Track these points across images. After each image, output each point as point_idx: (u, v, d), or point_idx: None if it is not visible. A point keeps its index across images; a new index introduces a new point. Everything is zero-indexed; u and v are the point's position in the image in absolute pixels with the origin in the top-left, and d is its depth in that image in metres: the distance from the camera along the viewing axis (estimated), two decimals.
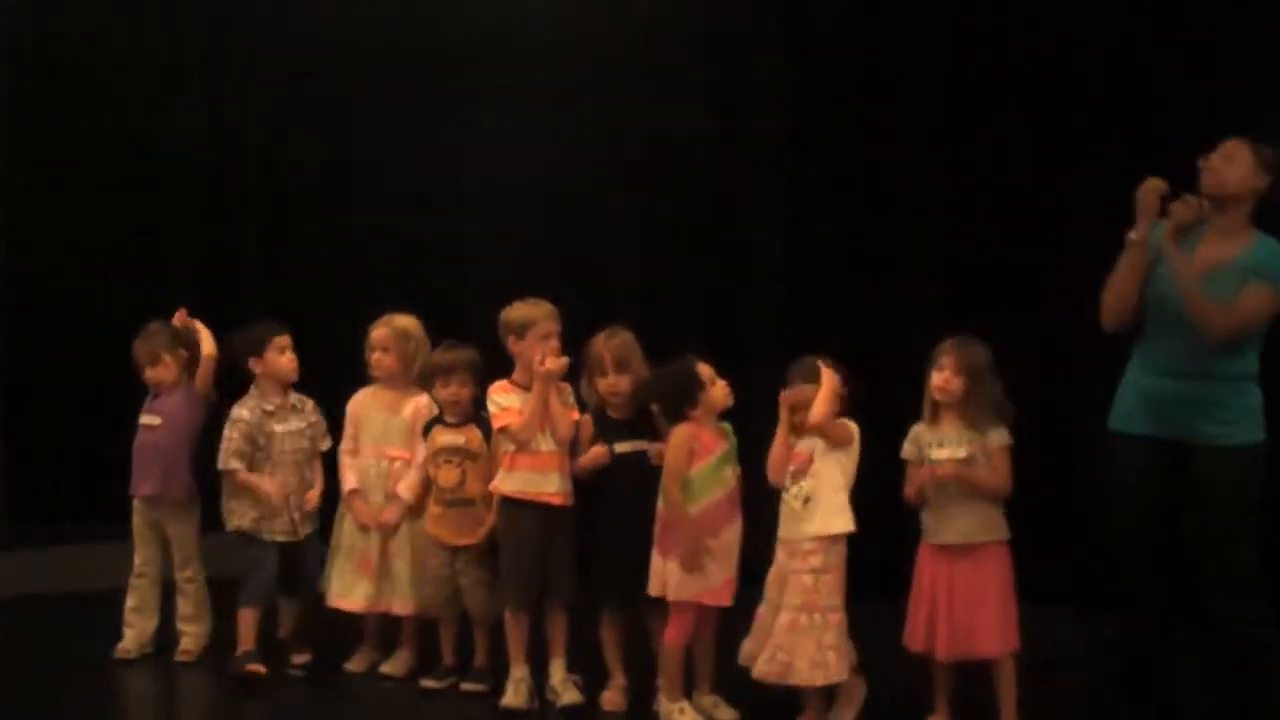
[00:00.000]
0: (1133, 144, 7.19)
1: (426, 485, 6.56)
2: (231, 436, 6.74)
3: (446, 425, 6.50)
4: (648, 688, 6.09)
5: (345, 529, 6.71)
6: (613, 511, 6.05)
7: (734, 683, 5.98)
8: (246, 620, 6.64)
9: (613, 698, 6.14)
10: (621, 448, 6.06)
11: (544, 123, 8.75)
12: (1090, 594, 6.45)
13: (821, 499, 5.62)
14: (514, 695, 6.15)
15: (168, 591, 6.98)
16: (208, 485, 6.91)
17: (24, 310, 9.71)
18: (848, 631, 5.65)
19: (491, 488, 6.26)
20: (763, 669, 5.63)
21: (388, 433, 6.68)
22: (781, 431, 5.75)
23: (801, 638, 5.57)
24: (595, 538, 6.14)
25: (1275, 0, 7.11)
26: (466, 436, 6.44)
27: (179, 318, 6.96)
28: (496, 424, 6.18)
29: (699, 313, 8.36)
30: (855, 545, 5.70)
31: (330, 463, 6.87)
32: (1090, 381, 7.11)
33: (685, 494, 5.80)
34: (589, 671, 6.25)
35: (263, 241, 9.64)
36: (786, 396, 5.70)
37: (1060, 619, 6.72)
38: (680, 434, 5.85)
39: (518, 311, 6.25)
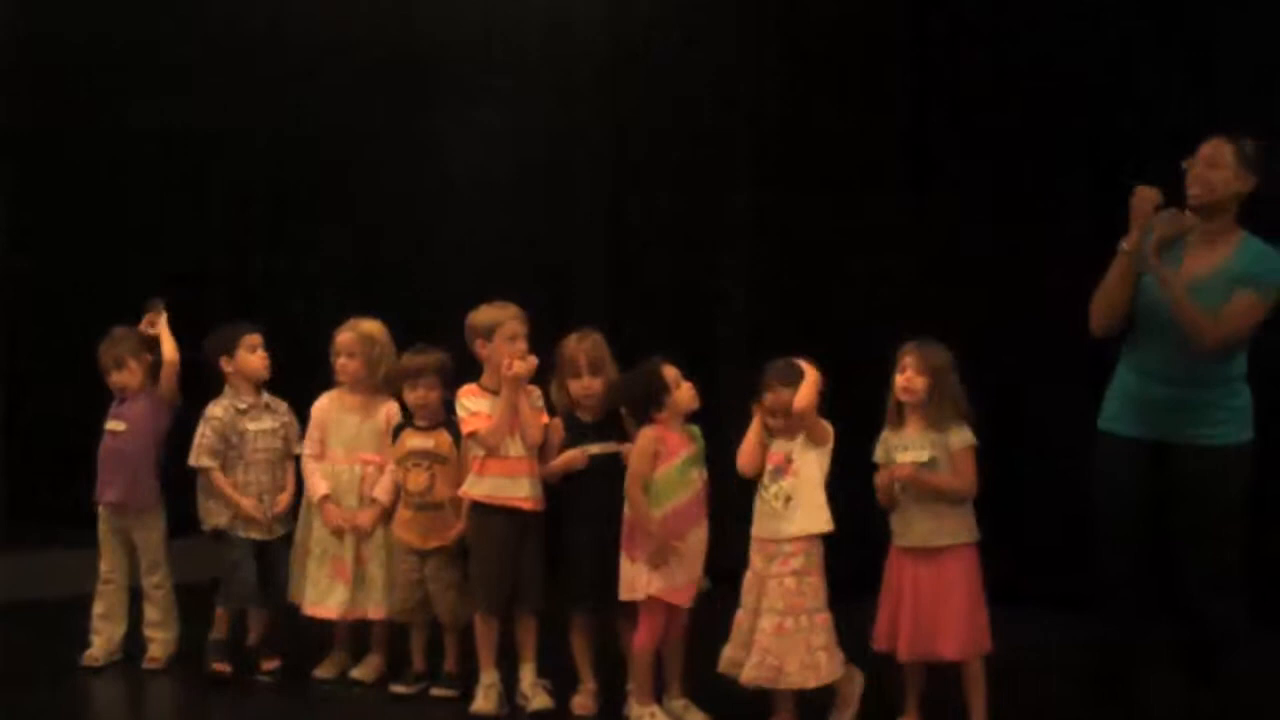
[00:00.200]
0: (1104, 143, 7.20)
1: (397, 489, 6.54)
2: (205, 434, 6.74)
3: (416, 429, 6.47)
4: (618, 692, 6.09)
5: (315, 535, 6.66)
6: (584, 515, 6.03)
7: (704, 686, 5.97)
8: (220, 616, 6.74)
9: (583, 702, 6.12)
10: (594, 450, 6.04)
11: (508, 126, 8.75)
12: (1061, 597, 6.49)
13: (802, 498, 5.61)
14: (484, 700, 6.13)
15: (135, 597, 6.94)
16: (174, 489, 6.89)
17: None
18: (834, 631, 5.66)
19: (461, 493, 6.24)
20: (752, 675, 5.60)
21: (360, 437, 6.65)
22: (756, 424, 5.72)
23: (788, 641, 5.56)
24: (566, 541, 6.12)
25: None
26: (436, 440, 6.42)
27: (147, 321, 6.91)
28: (465, 429, 6.16)
29: (665, 314, 8.37)
30: (827, 547, 5.70)
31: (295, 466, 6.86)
32: (1060, 382, 7.21)
33: (651, 496, 5.78)
34: (559, 676, 6.23)
35: (232, 245, 9.63)
36: (766, 401, 5.66)
37: (1035, 622, 6.72)
38: (645, 436, 5.84)
39: (484, 314, 6.23)
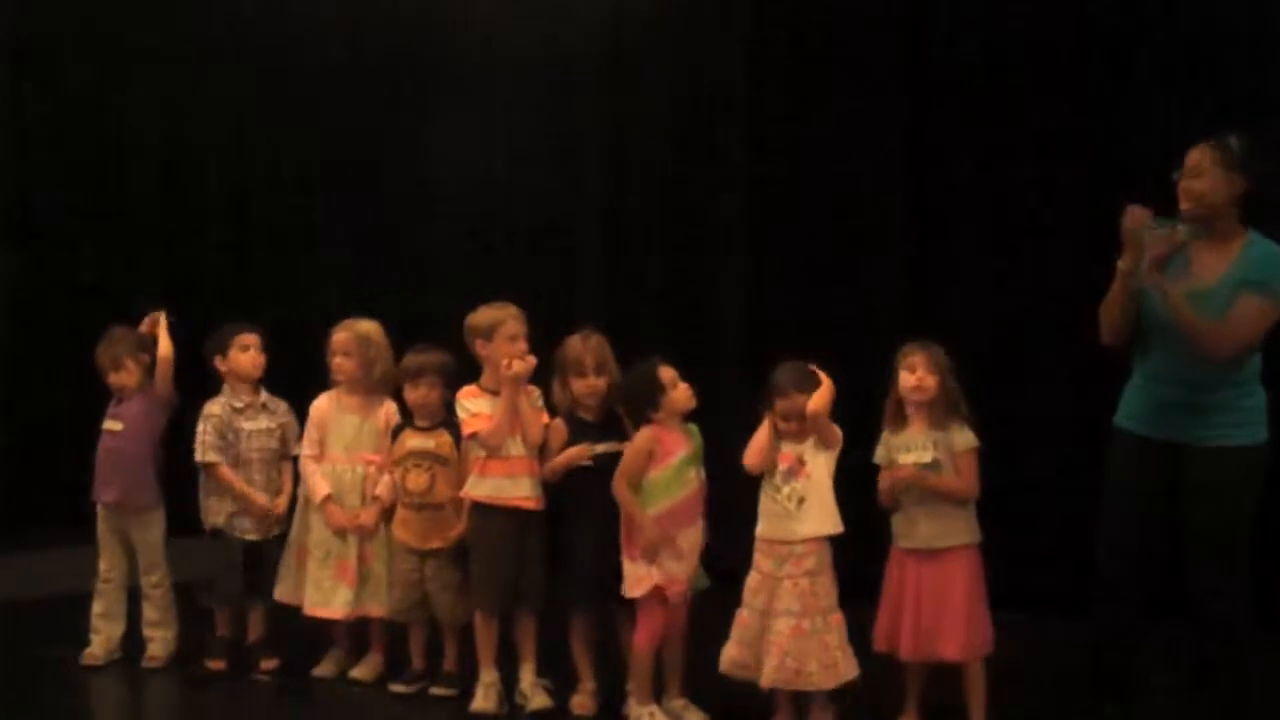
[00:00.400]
0: (1105, 142, 7.20)
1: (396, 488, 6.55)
2: (206, 431, 6.77)
3: (416, 429, 6.49)
4: (617, 692, 6.09)
5: (316, 536, 6.65)
6: (584, 514, 6.02)
7: (703, 685, 5.98)
8: (220, 615, 6.81)
9: (582, 702, 6.12)
10: (600, 449, 6.03)
11: (508, 125, 8.77)
12: (1060, 599, 6.50)
13: (815, 500, 5.61)
14: (483, 700, 6.14)
15: (134, 597, 6.94)
16: (173, 489, 6.90)
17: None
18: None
19: (463, 494, 6.24)
20: (772, 678, 5.58)
21: (360, 438, 6.66)
22: (767, 424, 5.71)
23: (807, 642, 5.56)
24: (565, 541, 6.13)
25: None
26: (436, 441, 6.43)
27: (148, 324, 6.92)
28: (466, 430, 6.16)
29: (665, 314, 8.38)
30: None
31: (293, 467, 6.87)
32: (1059, 383, 7.22)
33: (645, 495, 5.80)
34: (559, 676, 6.24)
35: (228, 244, 9.66)
36: (779, 406, 5.66)
37: (1034, 624, 6.73)
38: (640, 437, 5.86)
39: (483, 315, 6.23)
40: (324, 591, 6.61)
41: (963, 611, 5.60)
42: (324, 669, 6.71)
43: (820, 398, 5.57)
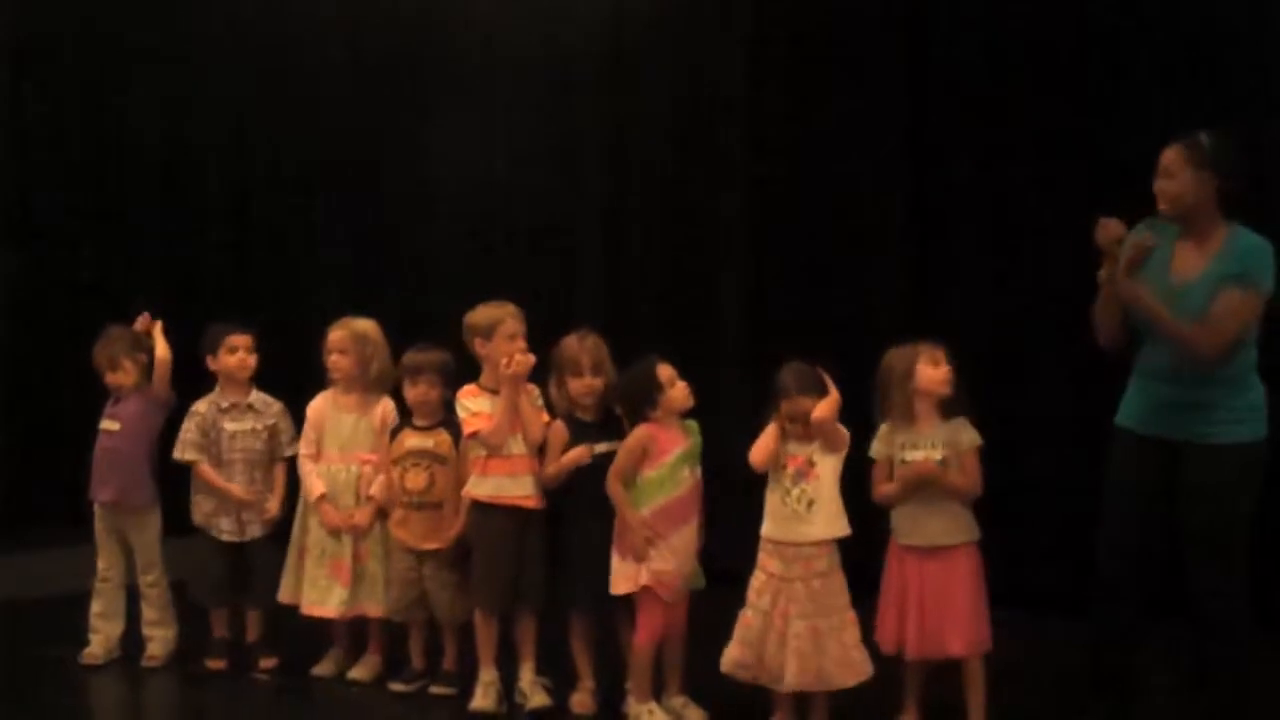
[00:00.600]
0: (1105, 142, 7.20)
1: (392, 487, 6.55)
2: (188, 428, 6.80)
3: (415, 429, 6.49)
4: (617, 690, 6.09)
5: (313, 535, 6.66)
6: (583, 513, 6.02)
7: (703, 684, 5.98)
8: (217, 615, 6.84)
9: (582, 700, 6.13)
10: (601, 448, 6.02)
11: (508, 125, 8.77)
12: (1059, 598, 6.50)
13: (824, 503, 5.61)
14: (483, 698, 6.14)
15: (133, 596, 6.95)
16: (170, 488, 6.90)
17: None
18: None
19: (464, 493, 6.24)
20: (795, 681, 5.56)
21: (356, 437, 6.66)
22: (774, 424, 5.69)
23: (825, 642, 5.56)
24: (565, 540, 6.12)
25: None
26: (435, 440, 6.43)
27: (141, 322, 6.92)
28: (467, 430, 6.16)
29: (665, 315, 8.38)
30: None
31: (290, 467, 6.87)
32: (1057, 383, 7.22)
33: (637, 493, 5.81)
34: (558, 674, 6.24)
35: (228, 244, 9.67)
36: (784, 409, 5.65)
37: (1033, 622, 6.73)
38: (635, 435, 5.86)
39: (482, 314, 6.24)
40: (320, 590, 6.62)
41: (968, 608, 5.61)
42: (323, 668, 6.71)
43: (826, 406, 5.55)
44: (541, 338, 6.21)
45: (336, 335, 6.69)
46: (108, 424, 6.95)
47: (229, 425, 6.80)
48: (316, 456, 6.68)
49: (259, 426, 6.83)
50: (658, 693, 5.95)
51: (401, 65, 9.14)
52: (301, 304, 8.90)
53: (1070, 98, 7.32)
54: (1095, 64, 7.31)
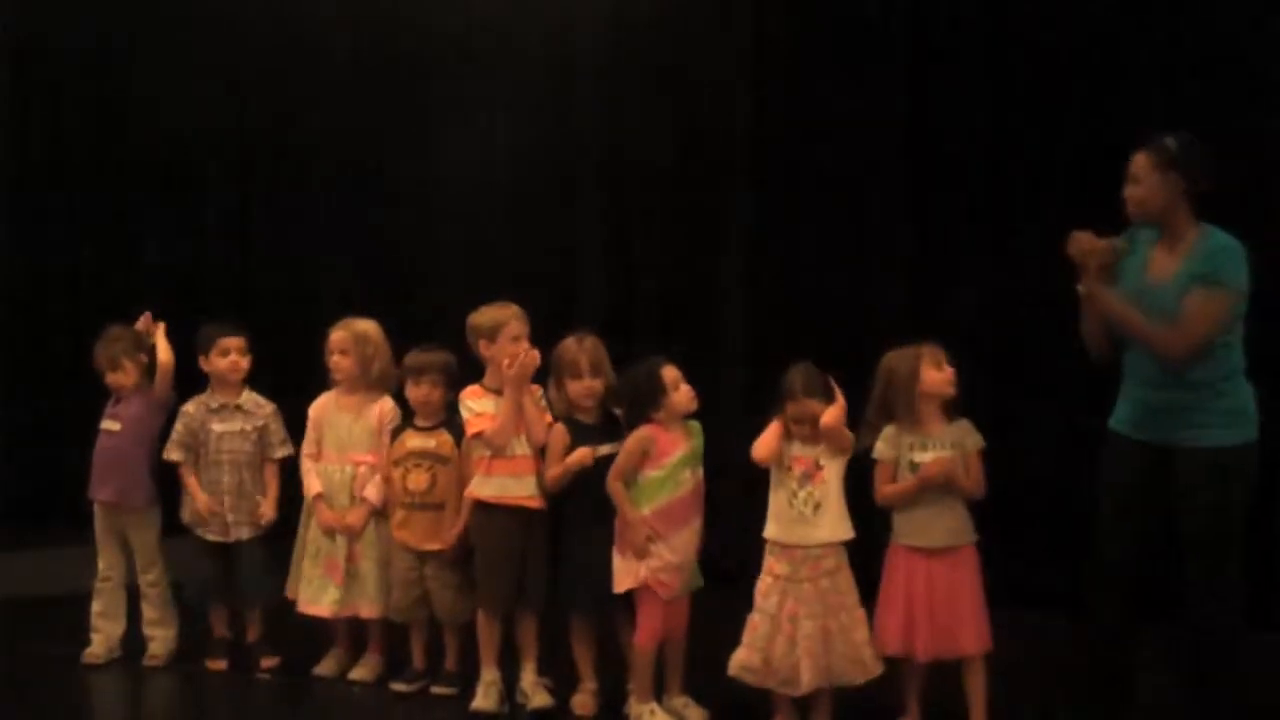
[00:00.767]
0: (1104, 141, 7.20)
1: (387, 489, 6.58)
2: (177, 429, 6.83)
3: (416, 429, 6.49)
4: (618, 691, 6.10)
5: (311, 534, 6.69)
6: (585, 515, 6.02)
7: (703, 684, 6.00)
8: (217, 614, 6.86)
9: (583, 701, 6.13)
10: (604, 450, 6.00)
11: (509, 126, 8.79)
12: (1059, 597, 6.50)
13: (830, 506, 5.64)
14: (484, 698, 6.15)
15: (134, 595, 6.96)
16: (170, 488, 6.91)
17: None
18: None
19: (467, 494, 6.24)
20: (811, 682, 5.58)
21: (352, 437, 6.66)
22: (778, 423, 5.71)
23: (836, 641, 5.59)
24: (566, 541, 6.12)
25: None
26: (437, 440, 6.45)
27: (142, 322, 6.94)
28: (470, 430, 6.16)
29: (665, 315, 8.40)
30: None
31: (293, 467, 6.86)
32: (1056, 383, 7.23)
33: (637, 494, 5.82)
34: (559, 675, 6.25)
35: (229, 244, 9.69)
36: (790, 411, 5.66)
37: (1031, 623, 6.74)
38: (637, 435, 5.87)
39: (486, 315, 6.24)
40: (315, 589, 6.65)
41: (974, 607, 5.64)
42: (324, 668, 6.72)
43: (835, 413, 5.57)
44: (542, 339, 6.21)
45: (337, 336, 6.70)
46: (108, 424, 6.96)
47: (217, 426, 6.81)
48: (317, 456, 6.70)
49: (248, 428, 6.84)
50: (659, 693, 5.96)
51: (402, 65, 9.16)
52: (302, 304, 8.92)
53: (1071, 98, 7.33)
54: (1096, 64, 7.32)
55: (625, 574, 5.86)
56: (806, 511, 5.63)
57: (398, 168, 9.20)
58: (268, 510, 6.83)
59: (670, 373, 5.89)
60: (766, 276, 8.23)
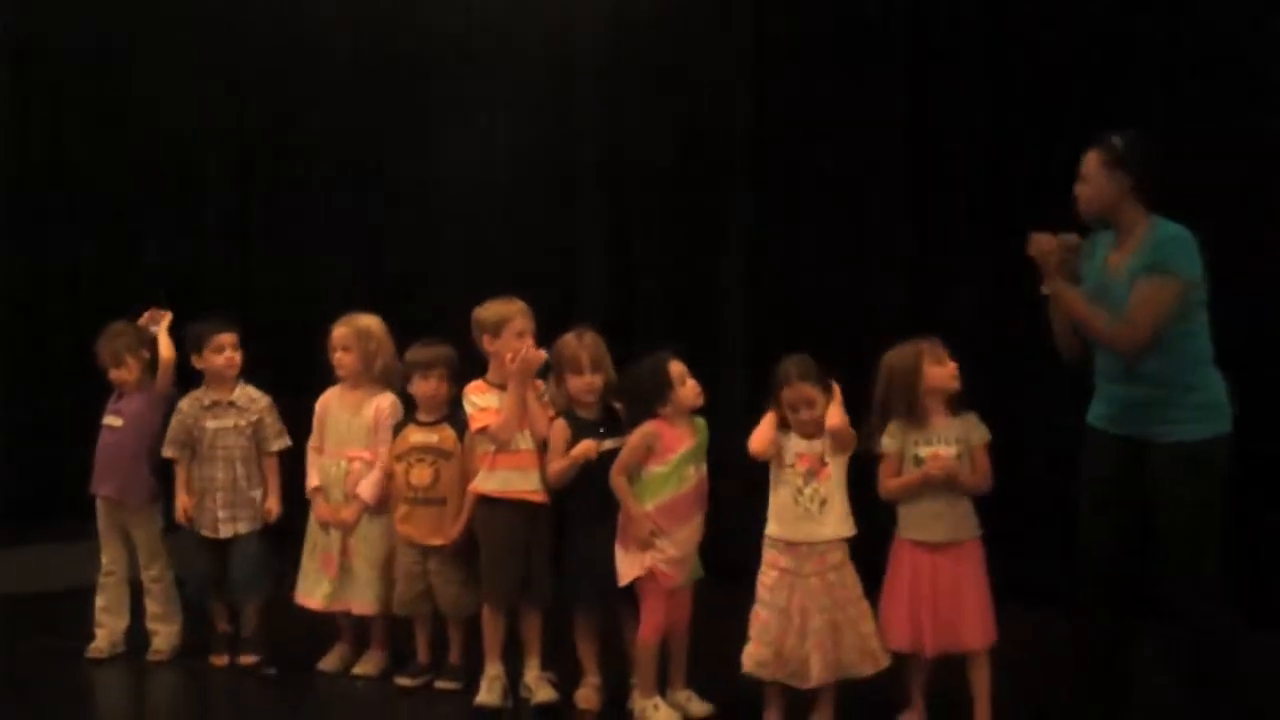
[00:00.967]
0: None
1: (383, 487, 6.60)
2: (172, 426, 6.86)
3: (419, 424, 6.51)
4: (622, 685, 6.11)
5: (310, 527, 6.75)
6: (588, 509, 6.03)
7: (706, 678, 6.02)
8: (217, 609, 6.89)
9: (587, 695, 6.14)
10: (607, 445, 6.01)
11: (510, 126, 8.82)
12: (1062, 593, 6.52)
13: (835, 502, 5.66)
14: (488, 693, 6.16)
15: (137, 590, 6.98)
16: (172, 484, 6.93)
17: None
18: None
19: (471, 488, 6.26)
20: (821, 676, 5.60)
21: (349, 433, 6.70)
22: (771, 415, 5.74)
23: (844, 634, 5.62)
24: (570, 536, 6.14)
25: None
26: (440, 435, 6.46)
27: (147, 316, 6.96)
28: (475, 425, 6.18)
29: (666, 315, 8.42)
30: None
31: (292, 459, 6.91)
32: (1055, 381, 7.23)
33: (646, 489, 5.84)
34: (563, 669, 6.27)
35: (229, 243, 9.70)
36: (786, 396, 5.68)
37: (1031, 617, 6.76)
38: (642, 430, 5.88)
39: (491, 310, 6.26)
40: (310, 581, 6.71)
41: (979, 601, 5.66)
42: (328, 663, 6.74)
43: (837, 412, 5.61)
44: (543, 339, 6.22)
45: (340, 332, 6.73)
46: (110, 420, 6.99)
47: (210, 423, 6.83)
48: (320, 449, 6.74)
49: (241, 423, 6.86)
50: (662, 687, 5.98)
51: (402, 65, 9.19)
52: (302, 303, 8.93)
53: (1071, 98, 7.34)
54: (1096, 64, 7.33)
55: (629, 567, 5.88)
56: (813, 508, 5.65)
57: (398, 168, 9.24)
58: (273, 505, 6.85)
59: (677, 367, 5.91)
60: (766, 276, 8.24)
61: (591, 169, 8.76)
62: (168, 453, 6.85)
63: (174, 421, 6.85)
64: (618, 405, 6.10)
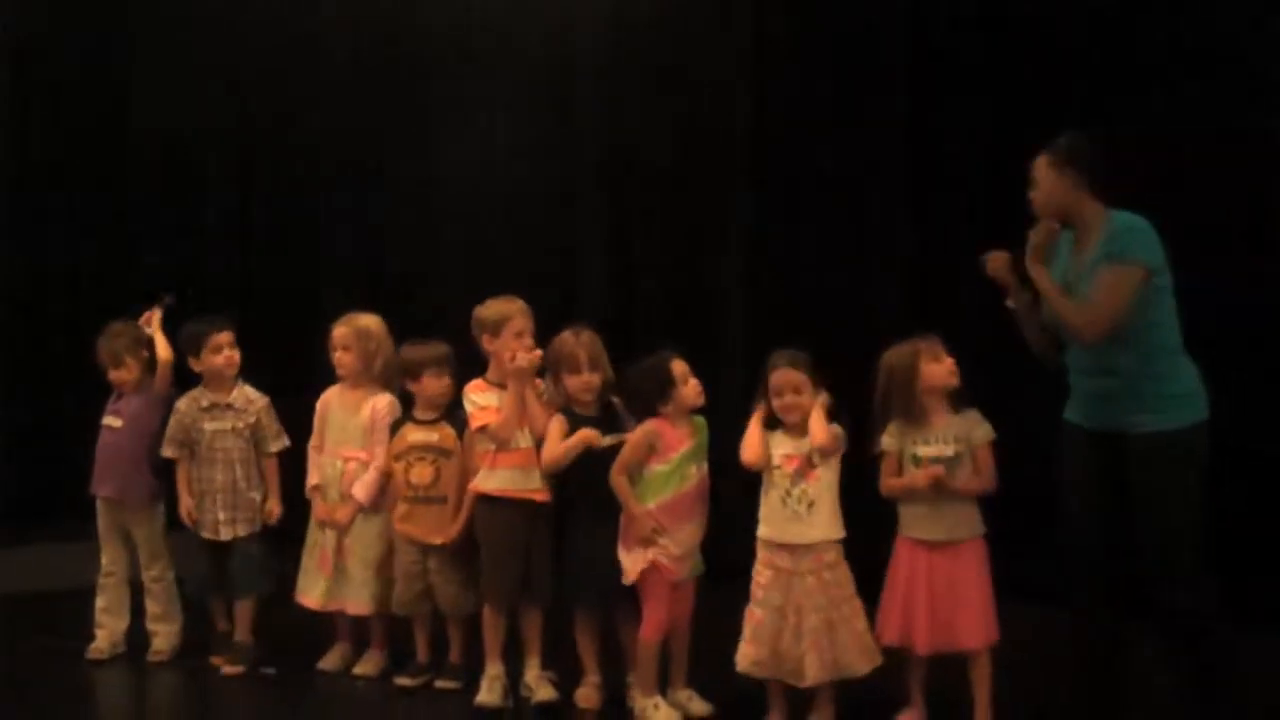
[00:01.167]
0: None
1: (378, 488, 6.61)
2: (171, 425, 6.86)
3: (418, 423, 6.51)
4: (622, 685, 6.12)
5: (310, 525, 6.77)
6: (588, 508, 6.03)
7: (706, 677, 6.02)
8: (217, 609, 6.92)
9: (587, 694, 6.14)
10: (606, 441, 6.00)
11: (510, 126, 8.81)
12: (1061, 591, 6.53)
13: (824, 504, 5.66)
14: (488, 692, 6.16)
15: (138, 590, 6.98)
16: (173, 484, 6.93)
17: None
18: None
19: (472, 487, 6.26)
20: (816, 674, 5.61)
21: (345, 433, 6.70)
22: (757, 418, 5.76)
23: (840, 633, 5.62)
24: (570, 534, 6.13)
25: None
26: (440, 434, 6.46)
27: (145, 320, 6.96)
28: (474, 424, 6.19)
29: (666, 314, 8.42)
30: None
31: (292, 459, 6.92)
32: (1048, 378, 7.24)
33: (642, 489, 5.85)
34: (564, 668, 6.26)
35: (230, 243, 9.71)
36: (773, 380, 5.69)
37: (1039, 615, 6.75)
38: (643, 429, 5.88)
39: (491, 309, 6.26)
40: (308, 580, 6.74)
41: (978, 601, 5.65)
42: (328, 663, 6.74)
43: (822, 432, 5.62)
44: (543, 339, 6.22)
45: (340, 332, 6.74)
46: (110, 420, 6.99)
47: (209, 425, 6.83)
48: (321, 448, 6.75)
49: (240, 425, 6.86)
50: (662, 687, 5.98)
51: (402, 65, 9.19)
52: (303, 303, 8.92)
53: (1071, 98, 7.34)
54: (1096, 64, 7.33)
55: (633, 564, 5.88)
56: (800, 510, 5.66)
57: (398, 168, 9.24)
58: (274, 507, 6.85)
59: (679, 366, 5.91)
60: (766, 276, 8.24)
61: (591, 169, 8.76)
62: (167, 452, 6.85)
63: (172, 421, 6.85)
64: (616, 401, 6.11)
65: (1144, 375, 5.30)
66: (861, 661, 5.65)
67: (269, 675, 6.70)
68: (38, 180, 9.68)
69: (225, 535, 6.80)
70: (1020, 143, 7.40)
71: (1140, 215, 5.36)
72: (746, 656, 5.73)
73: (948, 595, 5.63)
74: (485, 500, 6.21)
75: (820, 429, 5.62)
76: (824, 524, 5.66)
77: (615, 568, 5.93)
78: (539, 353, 6.11)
